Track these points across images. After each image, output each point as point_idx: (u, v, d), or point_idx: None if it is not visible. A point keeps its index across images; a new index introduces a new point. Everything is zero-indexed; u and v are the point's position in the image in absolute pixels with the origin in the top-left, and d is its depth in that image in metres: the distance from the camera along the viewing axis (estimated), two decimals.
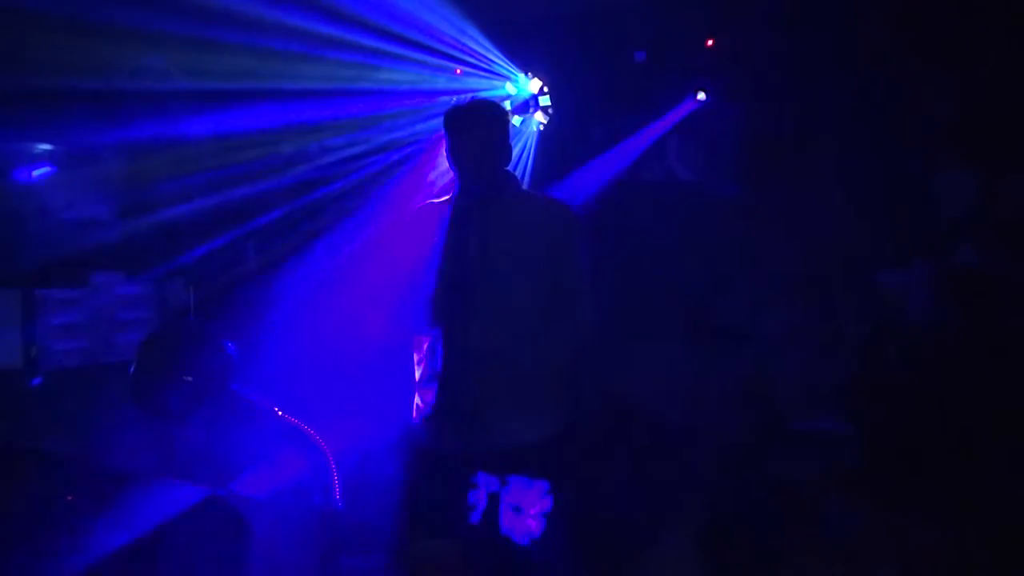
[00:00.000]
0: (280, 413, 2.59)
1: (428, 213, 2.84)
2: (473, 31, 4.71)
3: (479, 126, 2.70)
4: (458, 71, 4.93)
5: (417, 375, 2.77)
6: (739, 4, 4.93)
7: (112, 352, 4.45)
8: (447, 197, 2.82)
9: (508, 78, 5.05)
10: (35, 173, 4.27)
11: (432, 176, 4.93)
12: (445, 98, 4.81)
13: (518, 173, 5.13)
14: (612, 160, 5.25)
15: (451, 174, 2.81)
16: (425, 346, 2.71)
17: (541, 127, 5.17)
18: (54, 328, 4.36)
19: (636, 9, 4.99)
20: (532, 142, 5.19)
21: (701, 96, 5.17)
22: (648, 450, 4.41)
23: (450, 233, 2.64)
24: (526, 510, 2.57)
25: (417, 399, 2.74)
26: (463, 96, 2.85)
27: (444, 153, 2.80)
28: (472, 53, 4.82)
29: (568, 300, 2.67)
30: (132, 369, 1.18)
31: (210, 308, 4.64)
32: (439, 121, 2.79)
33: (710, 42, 5.09)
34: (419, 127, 4.89)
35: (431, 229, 2.74)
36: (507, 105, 4.95)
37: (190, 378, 1.25)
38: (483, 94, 4.62)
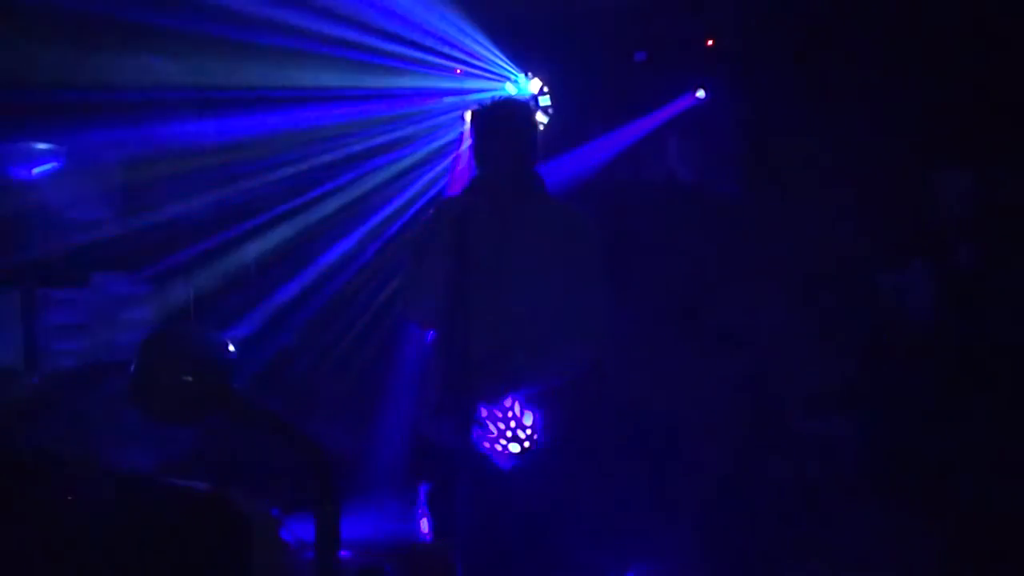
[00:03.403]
0: (279, 413, 2.59)
1: (446, 209, 2.79)
2: (473, 31, 4.71)
3: (511, 126, 2.64)
4: (458, 71, 4.93)
5: (426, 371, 2.76)
6: (739, 4, 4.93)
7: (112, 352, 4.45)
8: (465, 193, 2.77)
9: (508, 78, 5.05)
10: (35, 172, 4.26)
11: (443, 174, 4.93)
12: (445, 99, 4.81)
13: None
14: (610, 144, 5.21)
15: (469, 172, 2.77)
16: (434, 342, 2.70)
17: (541, 127, 5.17)
18: (54, 328, 4.36)
19: (636, 9, 4.99)
20: None
21: (700, 94, 5.16)
22: (647, 451, 4.41)
23: (469, 230, 2.59)
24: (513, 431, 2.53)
25: (425, 396, 2.74)
26: (491, 95, 2.78)
27: (469, 151, 2.74)
28: (472, 53, 4.82)
29: (585, 314, 2.61)
30: (132, 369, 1.18)
31: (210, 308, 4.64)
32: (439, 121, 2.77)
33: (710, 42, 5.09)
34: (419, 127, 4.89)
35: (448, 225, 2.68)
36: None
37: (190, 378, 1.25)
38: (482, 94, 4.62)
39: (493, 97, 2.75)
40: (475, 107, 2.72)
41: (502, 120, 2.65)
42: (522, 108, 2.76)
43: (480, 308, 2.54)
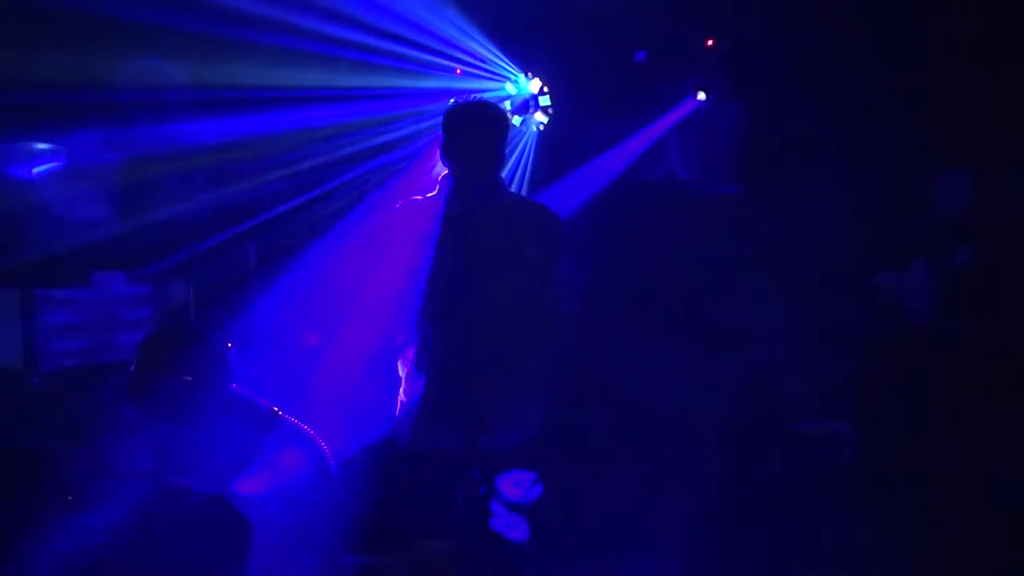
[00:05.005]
0: (279, 413, 2.59)
1: (414, 210, 2.82)
2: (473, 31, 4.71)
3: (487, 126, 2.69)
4: (458, 71, 4.93)
5: (407, 374, 2.76)
6: (739, 4, 4.94)
7: (112, 352, 4.45)
8: (433, 194, 2.80)
9: (508, 78, 5.05)
10: (35, 172, 4.26)
11: (429, 175, 4.93)
12: (446, 99, 4.81)
13: (518, 174, 5.14)
14: (612, 160, 5.25)
15: (443, 173, 2.80)
16: (416, 345, 2.70)
17: (541, 127, 5.17)
18: (54, 328, 4.35)
19: (636, 9, 4.99)
20: (532, 142, 5.19)
21: (701, 96, 5.17)
22: (647, 449, 4.41)
23: (445, 232, 2.62)
24: (516, 502, 2.60)
25: (405, 398, 2.74)
26: (464, 96, 2.83)
27: (440, 151, 2.78)
28: (472, 53, 4.82)
29: (557, 299, 2.69)
30: (132, 369, 1.18)
31: (210, 308, 4.64)
32: (439, 121, 2.78)
33: (710, 42, 5.09)
34: (419, 127, 4.89)
35: (418, 226, 2.72)
36: (507, 105, 4.96)
37: (190, 378, 1.25)
38: (483, 94, 4.64)
39: (465, 98, 2.80)
40: (448, 107, 2.75)
41: (480, 120, 2.70)
42: (498, 109, 2.80)
43: (471, 307, 2.56)
